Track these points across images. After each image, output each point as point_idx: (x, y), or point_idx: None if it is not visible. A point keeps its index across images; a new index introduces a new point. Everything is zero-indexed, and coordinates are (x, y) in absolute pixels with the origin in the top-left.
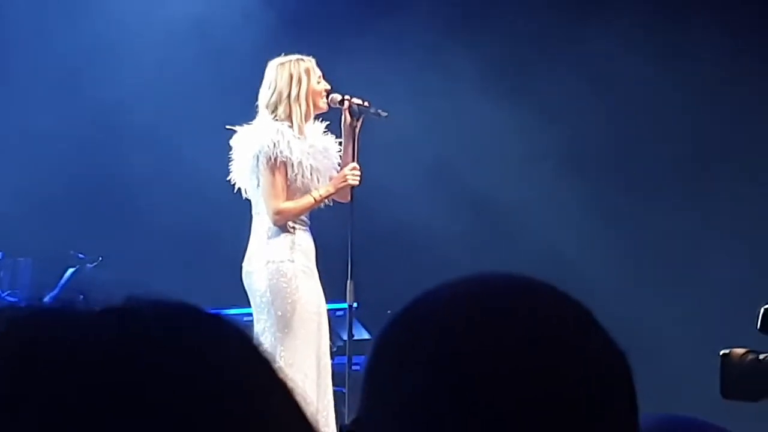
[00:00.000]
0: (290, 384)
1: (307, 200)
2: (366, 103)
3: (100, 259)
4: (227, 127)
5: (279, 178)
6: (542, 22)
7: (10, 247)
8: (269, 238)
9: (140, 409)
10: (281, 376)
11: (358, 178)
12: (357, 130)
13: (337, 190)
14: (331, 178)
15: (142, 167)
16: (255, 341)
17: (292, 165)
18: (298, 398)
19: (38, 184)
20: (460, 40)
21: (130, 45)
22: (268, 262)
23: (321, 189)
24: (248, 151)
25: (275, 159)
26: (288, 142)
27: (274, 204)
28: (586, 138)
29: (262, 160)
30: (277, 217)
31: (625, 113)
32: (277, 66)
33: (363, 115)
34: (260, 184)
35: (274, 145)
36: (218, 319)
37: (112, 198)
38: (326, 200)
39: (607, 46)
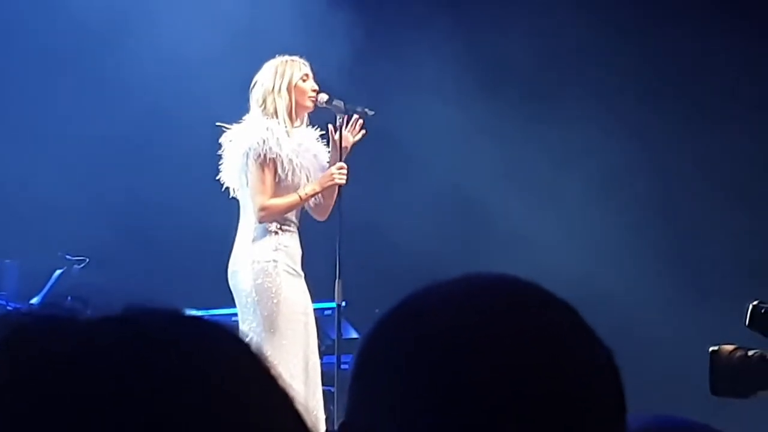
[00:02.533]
0: (291, 392)
1: (292, 198)
2: (354, 107)
3: (87, 260)
4: (218, 124)
5: (267, 174)
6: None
7: None
8: (255, 238)
9: (138, 417)
10: (281, 384)
11: (345, 177)
12: (340, 129)
13: (323, 189)
14: None
15: (127, 166)
16: (254, 350)
17: (282, 162)
18: (299, 407)
19: (23, 184)
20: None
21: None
22: (254, 261)
23: (307, 187)
24: (238, 149)
25: (264, 155)
26: (277, 139)
27: (260, 200)
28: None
29: (252, 156)
30: (262, 213)
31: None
32: (267, 65)
33: (349, 114)
34: (248, 181)
35: (264, 141)
36: (217, 327)
37: (97, 198)
38: (312, 199)
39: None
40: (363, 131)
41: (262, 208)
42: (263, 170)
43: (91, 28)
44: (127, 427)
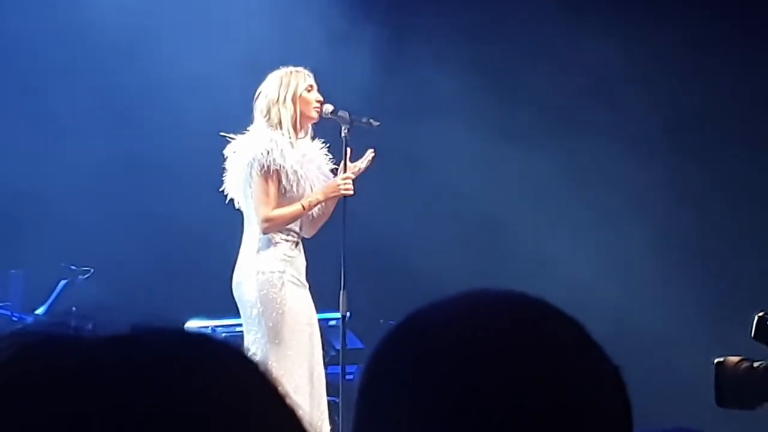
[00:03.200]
0: (298, 410)
1: (295, 208)
2: (361, 118)
3: (92, 270)
4: (221, 134)
5: (271, 186)
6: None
7: (2, 259)
8: (259, 249)
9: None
10: (288, 402)
11: (350, 188)
12: (346, 140)
13: (327, 199)
14: None
15: (132, 177)
16: (261, 367)
17: (287, 173)
18: (306, 426)
19: (29, 195)
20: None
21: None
22: (258, 272)
23: (310, 197)
24: (242, 160)
25: (268, 167)
26: (281, 150)
27: (263, 211)
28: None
29: (256, 167)
30: (266, 224)
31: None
32: (271, 76)
33: (353, 125)
34: (252, 192)
35: (268, 152)
36: (223, 345)
37: (102, 208)
38: (315, 209)
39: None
40: (370, 158)
41: (266, 219)
42: (267, 181)
43: (106, 41)
44: None
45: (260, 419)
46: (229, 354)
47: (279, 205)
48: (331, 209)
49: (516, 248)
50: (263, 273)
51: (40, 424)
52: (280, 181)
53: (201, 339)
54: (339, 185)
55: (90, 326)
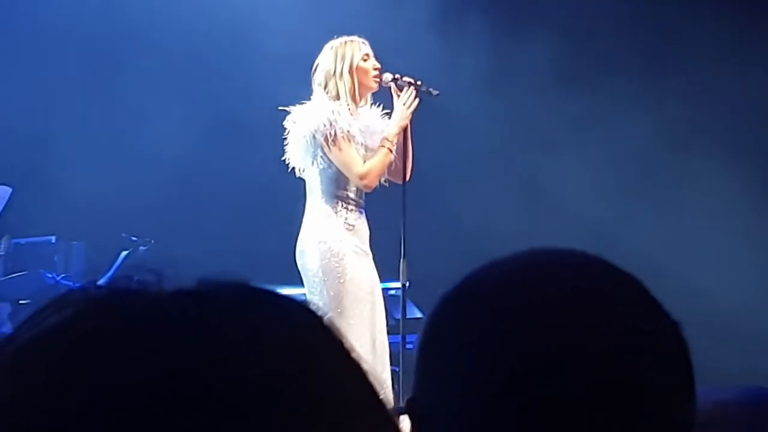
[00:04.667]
0: (364, 365)
1: (382, 153)
2: (418, 82)
3: (152, 241)
4: (280, 108)
5: (347, 147)
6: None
7: (64, 231)
8: (321, 218)
9: (220, 398)
10: (354, 356)
11: (414, 100)
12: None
13: (402, 126)
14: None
15: (192, 148)
16: (327, 323)
17: (354, 139)
18: (372, 380)
19: (90, 168)
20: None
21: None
22: (320, 242)
23: (387, 135)
24: (303, 129)
25: (335, 133)
26: (345, 120)
27: (356, 170)
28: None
29: (320, 138)
30: (364, 181)
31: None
32: (326, 47)
33: (418, 91)
34: (322, 164)
35: (331, 123)
36: (288, 300)
37: (164, 180)
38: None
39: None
40: (417, 100)
41: (362, 176)
42: (341, 147)
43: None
44: (190, 399)
45: (327, 374)
46: (295, 310)
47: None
48: (402, 154)
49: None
50: (324, 242)
51: (106, 378)
52: (352, 144)
53: (267, 294)
54: (404, 106)
55: (154, 280)
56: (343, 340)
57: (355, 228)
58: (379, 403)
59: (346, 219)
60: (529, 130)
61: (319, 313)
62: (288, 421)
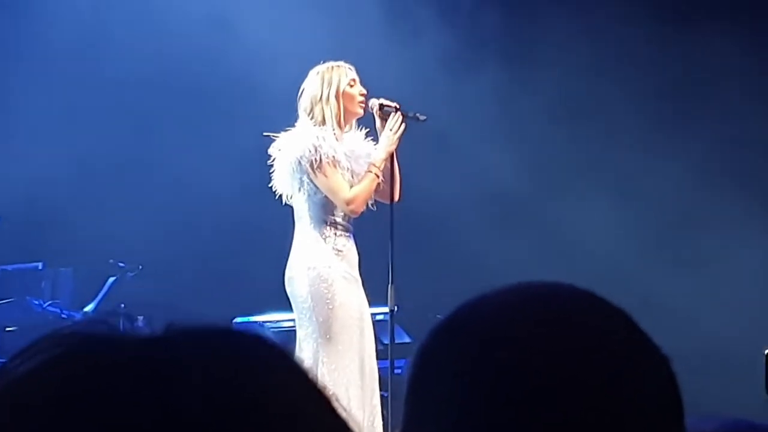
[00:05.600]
0: (341, 411)
1: (368, 178)
2: (397, 106)
3: (140, 267)
4: (264, 134)
5: (332, 173)
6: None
7: (51, 257)
8: (310, 244)
9: None
10: (332, 403)
11: (401, 127)
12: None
13: (389, 152)
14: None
15: (180, 172)
16: (303, 368)
17: (339, 164)
18: (350, 422)
19: (77, 193)
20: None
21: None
22: (309, 268)
23: (373, 161)
24: (289, 156)
25: (320, 159)
26: (330, 146)
27: (342, 196)
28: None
29: (305, 165)
30: (351, 206)
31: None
32: (312, 72)
33: (404, 118)
34: (308, 190)
35: (316, 149)
36: (264, 345)
37: (151, 206)
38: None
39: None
40: (403, 125)
41: (349, 202)
42: (326, 172)
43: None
44: None
45: (289, 404)
46: (258, 346)
47: (348, 185)
48: (389, 176)
49: (574, 247)
50: (313, 268)
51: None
52: (337, 169)
53: (237, 338)
54: (392, 132)
55: (134, 324)
56: (319, 384)
57: (344, 253)
58: (342, 425)
59: (335, 244)
60: (524, 153)
61: (281, 347)
62: None
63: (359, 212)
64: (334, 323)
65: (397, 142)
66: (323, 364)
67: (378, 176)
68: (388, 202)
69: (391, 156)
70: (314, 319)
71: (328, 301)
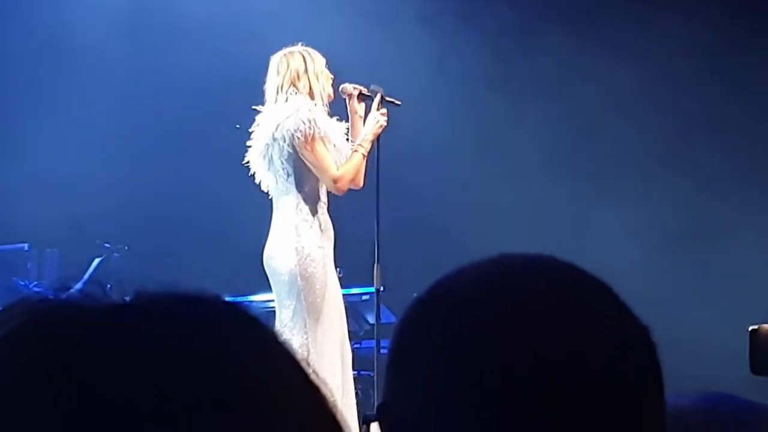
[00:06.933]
0: (316, 380)
1: (356, 157)
2: (376, 92)
3: (126, 248)
4: (253, 107)
5: (322, 149)
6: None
7: (37, 239)
8: (299, 222)
9: (144, 417)
10: (306, 372)
11: (386, 118)
12: (361, 116)
13: (376, 136)
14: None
15: (164, 155)
16: (277, 336)
17: (329, 141)
18: (326, 396)
19: (64, 174)
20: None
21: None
22: (299, 247)
23: (361, 141)
24: (280, 130)
25: (314, 134)
26: (323, 121)
27: (330, 173)
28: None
29: (299, 138)
30: (338, 184)
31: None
32: (284, 54)
33: (375, 103)
34: (297, 166)
35: (311, 123)
36: (237, 311)
37: (135, 187)
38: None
39: None
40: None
41: (336, 179)
42: (318, 146)
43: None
44: (105, 413)
45: (289, 400)
46: (226, 312)
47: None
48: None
49: (559, 225)
50: (302, 248)
51: (35, 395)
52: (325, 146)
53: (206, 305)
54: (378, 119)
55: (119, 294)
56: (277, 336)
57: (329, 232)
58: (335, 424)
59: (321, 222)
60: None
61: (252, 314)
62: (217, 421)
63: (344, 191)
64: (322, 304)
65: (382, 127)
66: (311, 343)
67: (365, 156)
68: (358, 188)
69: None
70: (302, 298)
71: (317, 282)
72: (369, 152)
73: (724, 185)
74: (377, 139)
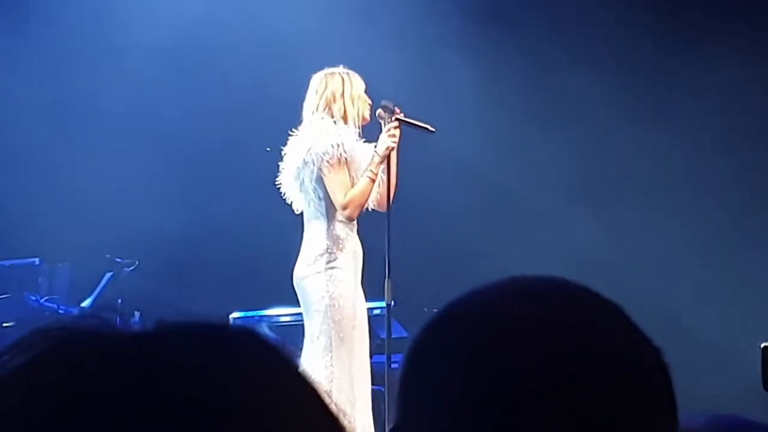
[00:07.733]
0: (335, 411)
1: (364, 182)
2: (396, 110)
3: (137, 263)
4: (291, 132)
5: (341, 173)
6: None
7: (48, 253)
8: (331, 244)
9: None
10: (326, 402)
11: (396, 137)
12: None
13: (384, 156)
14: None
15: (180, 169)
16: (297, 365)
17: (354, 166)
18: (345, 427)
19: (75, 188)
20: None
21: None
22: (327, 268)
23: (368, 165)
24: (309, 154)
25: (338, 158)
26: (351, 146)
27: (338, 201)
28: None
29: (325, 161)
30: (346, 211)
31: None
32: (325, 74)
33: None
34: (317, 187)
35: (338, 146)
36: (256, 342)
37: (147, 200)
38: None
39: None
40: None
41: (344, 206)
42: (337, 170)
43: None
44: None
45: (280, 398)
46: (248, 341)
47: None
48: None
49: (566, 242)
50: (332, 269)
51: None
52: (349, 172)
53: (227, 335)
54: (386, 141)
55: (127, 321)
56: (299, 366)
57: (357, 254)
58: (335, 425)
59: (352, 244)
60: (514, 148)
61: (274, 344)
62: None
63: (354, 218)
64: (348, 324)
65: (392, 147)
66: (335, 361)
67: (373, 180)
68: (384, 211)
69: (389, 164)
70: (329, 316)
71: (346, 303)
72: (390, 172)
73: (748, 200)
74: (391, 156)
